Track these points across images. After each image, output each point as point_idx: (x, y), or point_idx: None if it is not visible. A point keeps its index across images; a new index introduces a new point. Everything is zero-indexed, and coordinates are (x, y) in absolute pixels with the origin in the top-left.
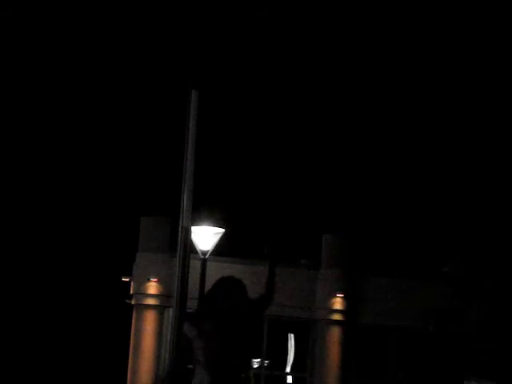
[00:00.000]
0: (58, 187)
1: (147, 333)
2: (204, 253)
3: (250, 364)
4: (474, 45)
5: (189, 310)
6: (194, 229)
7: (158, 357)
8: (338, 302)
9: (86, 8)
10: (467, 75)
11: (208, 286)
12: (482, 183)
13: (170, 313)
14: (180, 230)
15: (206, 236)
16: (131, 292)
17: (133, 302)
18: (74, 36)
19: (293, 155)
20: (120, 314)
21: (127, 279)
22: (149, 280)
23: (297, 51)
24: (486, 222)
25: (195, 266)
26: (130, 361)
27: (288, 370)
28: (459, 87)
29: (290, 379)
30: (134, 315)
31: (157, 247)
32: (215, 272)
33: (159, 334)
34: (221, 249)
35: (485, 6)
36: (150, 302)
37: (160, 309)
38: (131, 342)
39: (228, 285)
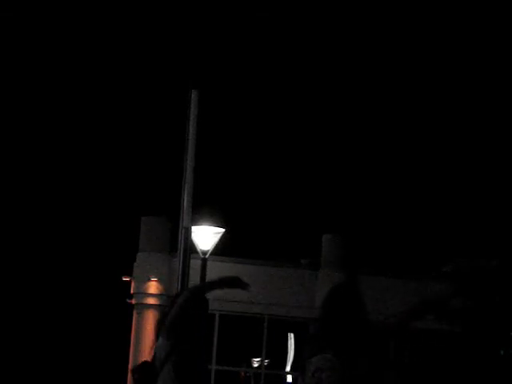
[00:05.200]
0: (59, 187)
1: (148, 332)
2: (204, 252)
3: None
4: (474, 45)
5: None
6: (194, 228)
7: None
8: None
9: (86, 8)
10: (467, 75)
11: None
12: (482, 183)
13: None
14: (180, 229)
15: (206, 236)
16: (132, 292)
17: (133, 302)
18: (74, 36)
19: (293, 155)
20: (121, 313)
21: (128, 279)
22: (149, 279)
23: (297, 51)
24: (486, 222)
25: (195, 265)
26: (130, 360)
27: (288, 369)
28: (459, 87)
29: (289, 378)
30: (134, 315)
31: (157, 247)
32: (215, 272)
33: None
34: (221, 248)
35: (485, 6)
36: (151, 301)
37: (160, 308)
38: (132, 341)
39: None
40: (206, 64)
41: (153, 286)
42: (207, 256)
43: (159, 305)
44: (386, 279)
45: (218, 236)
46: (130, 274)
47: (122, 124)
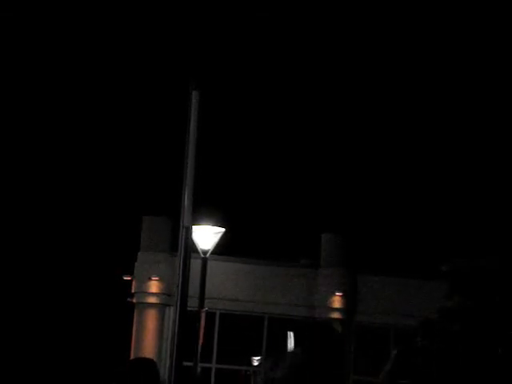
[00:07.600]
0: (60, 187)
1: (148, 331)
2: (205, 252)
3: None
4: (474, 45)
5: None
6: (194, 228)
7: (159, 354)
8: (337, 301)
9: (86, 8)
10: (467, 75)
11: (208, 284)
12: (481, 183)
13: (171, 311)
14: (181, 229)
15: (206, 235)
16: (133, 291)
17: (134, 301)
18: (74, 37)
19: (293, 155)
20: (122, 312)
21: (129, 278)
22: (150, 279)
23: (298, 51)
24: (485, 221)
25: (196, 265)
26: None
27: None
28: (459, 87)
29: None
30: (135, 313)
31: (158, 246)
32: (215, 271)
33: (160, 331)
34: (221, 248)
35: (485, 6)
36: (152, 300)
37: (161, 307)
38: (133, 339)
39: None
40: (206, 65)
41: (154, 285)
42: (208, 255)
43: (160, 304)
44: (385, 278)
45: (219, 235)
46: (131, 273)
47: (123, 124)
